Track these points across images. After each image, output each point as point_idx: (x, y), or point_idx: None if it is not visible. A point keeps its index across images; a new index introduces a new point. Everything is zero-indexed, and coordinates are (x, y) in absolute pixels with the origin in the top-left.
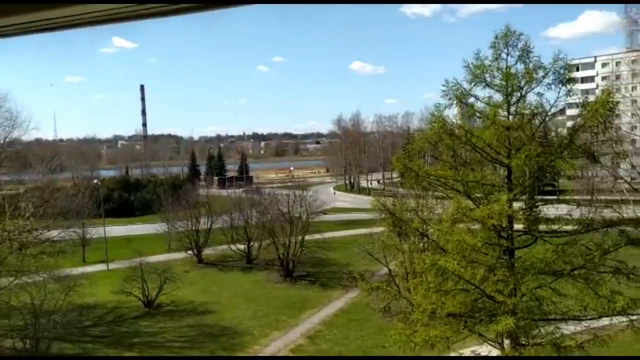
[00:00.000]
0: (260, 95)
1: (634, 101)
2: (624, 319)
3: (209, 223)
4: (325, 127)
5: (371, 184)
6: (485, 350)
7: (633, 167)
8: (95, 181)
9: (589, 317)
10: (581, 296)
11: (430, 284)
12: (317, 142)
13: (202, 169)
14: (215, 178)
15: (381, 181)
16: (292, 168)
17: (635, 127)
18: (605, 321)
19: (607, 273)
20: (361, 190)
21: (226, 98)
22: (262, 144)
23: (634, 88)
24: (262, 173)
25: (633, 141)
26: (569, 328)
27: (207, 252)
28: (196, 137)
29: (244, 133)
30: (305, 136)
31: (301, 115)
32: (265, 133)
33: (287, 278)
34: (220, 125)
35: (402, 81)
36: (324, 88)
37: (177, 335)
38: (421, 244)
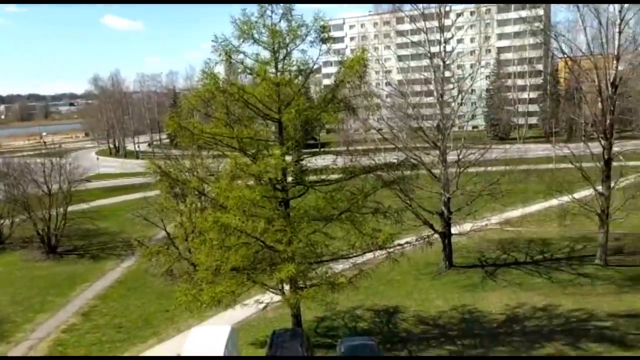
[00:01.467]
0: None
1: (378, 60)
2: (383, 252)
3: None
4: (79, 87)
5: (139, 146)
6: (267, 297)
7: (382, 118)
8: None
9: (355, 255)
10: (348, 237)
11: (213, 241)
12: (71, 104)
13: None
14: None
15: (150, 143)
16: (44, 133)
17: (380, 83)
18: (368, 256)
19: (369, 213)
20: (128, 154)
21: None
22: (2, 107)
23: (376, 48)
24: (6, 140)
25: (379, 96)
26: (338, 267)
27: None
28: None
29: None
30: (55, 97)
31: (48, 74)
32: (4, 95)
33: (50, 255)
34: None
35: (163, 39)
36: (74, 44)
37: None
38: (199, 203)
